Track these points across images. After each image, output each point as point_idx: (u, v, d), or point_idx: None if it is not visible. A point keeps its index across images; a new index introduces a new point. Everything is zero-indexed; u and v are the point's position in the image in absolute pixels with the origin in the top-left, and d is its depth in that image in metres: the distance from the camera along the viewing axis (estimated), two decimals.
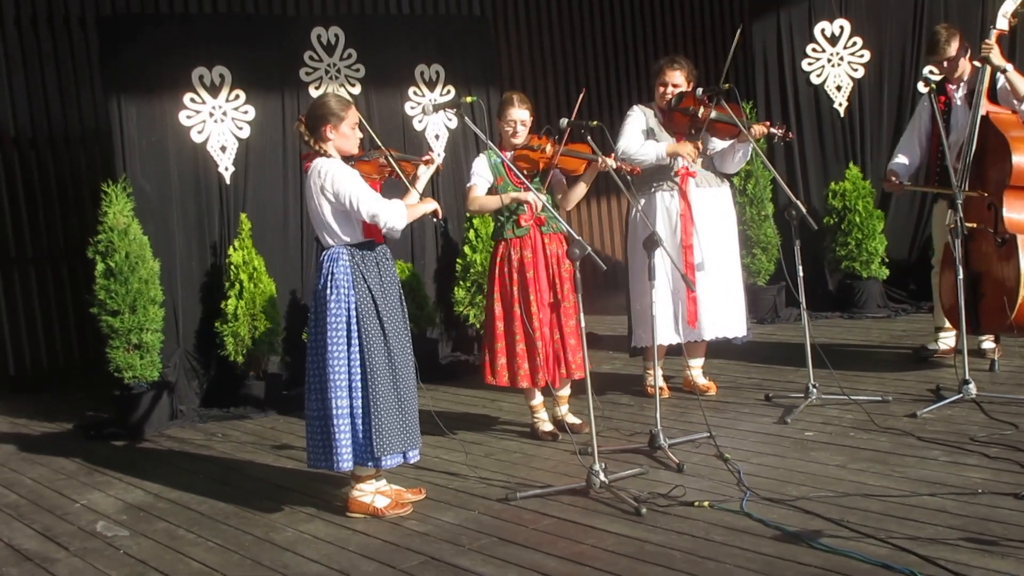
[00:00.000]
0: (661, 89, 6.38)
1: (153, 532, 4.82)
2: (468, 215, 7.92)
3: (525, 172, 5.63)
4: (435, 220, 4.89)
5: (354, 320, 4.67)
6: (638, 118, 6.38)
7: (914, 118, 6.82)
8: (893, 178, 6.60)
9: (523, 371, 5.70)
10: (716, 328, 6.40)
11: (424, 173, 4.95)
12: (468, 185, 5.81)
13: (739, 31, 6.44)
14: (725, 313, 6.40)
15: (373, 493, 4.81)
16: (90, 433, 6.81)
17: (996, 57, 6.15)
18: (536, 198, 5.52)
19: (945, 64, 6.48)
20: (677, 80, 6.35)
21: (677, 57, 6.52)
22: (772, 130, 6.25)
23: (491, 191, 5.74)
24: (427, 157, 5.00)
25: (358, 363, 4.67)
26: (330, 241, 4.73)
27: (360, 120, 4.83)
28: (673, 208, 6.31)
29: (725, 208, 6.52)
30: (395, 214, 4.68)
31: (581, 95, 6.01)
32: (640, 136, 6.30)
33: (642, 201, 6.33)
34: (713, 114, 6.17)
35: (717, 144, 6.44)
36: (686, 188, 6.32)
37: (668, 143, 6.27)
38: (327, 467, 4.74)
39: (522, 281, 5.68)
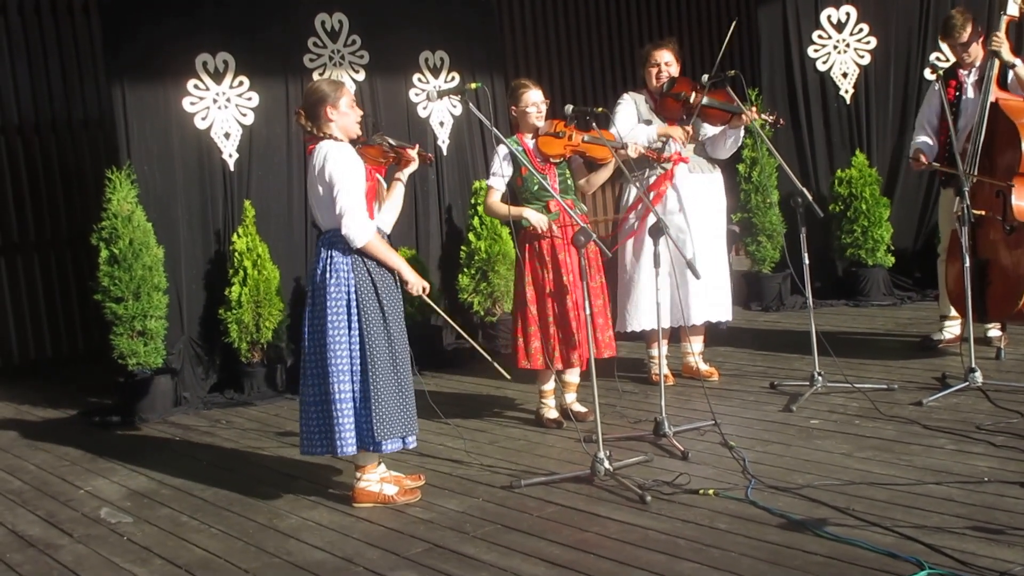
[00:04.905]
0: (654, 71, 6.38)
1: (157, 519, 4.82)
2: (473, 202, 7.90)
3: (550, 159, 5.65)
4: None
5: (354, 303, 4.63)
6: (629, 104, 6.39)
7: (924, 103, 6.78)
8: (922, 156, 6.51)
9: (558, 352, 5.71)
10: (704, 312, 6.44)
11: (414, 162, 4.91)
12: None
13: (735, 22, 6.44)
14: (712, 298, 6.43)
15: (380, 481, 4.80)
16: (94, 420, 6.81)
17: (1006, 52, 6.11)
18: (538, 220, 5.61)
19: (958, 48, 6.44)
20: (667, 59, 6.37)
21: (662, 40, 6.57)
22: (763, 116, 6.27)
23: (514, 181, 5.72)
24: (417, 148, 4.94)
25: (358, 346, 4.64)
26: (328, 224, 4.68)
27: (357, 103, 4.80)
28: (667, 194, 6.29)
29: (716, 195, 6.53)
30: (361, 230, 4.59)
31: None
32: (632, 121, 6.30)
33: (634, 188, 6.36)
34: (705, 100, 6.18)
35: (709, 130, 6.43)
36: (674, 174, 6.32)
37: (659, 125, 6.29)
38: (326, 452, 4.72)
39: (555, 263, 5.69)
